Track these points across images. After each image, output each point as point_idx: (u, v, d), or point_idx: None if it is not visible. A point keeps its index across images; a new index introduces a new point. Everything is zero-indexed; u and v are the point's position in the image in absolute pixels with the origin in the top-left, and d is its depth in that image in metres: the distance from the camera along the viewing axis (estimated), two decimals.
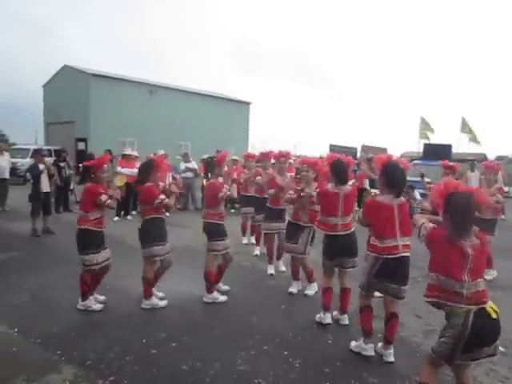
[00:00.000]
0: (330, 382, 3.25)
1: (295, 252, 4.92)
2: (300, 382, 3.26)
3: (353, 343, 3.79)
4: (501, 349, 3.86)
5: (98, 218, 4.45)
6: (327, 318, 4.26)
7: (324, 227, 4.24)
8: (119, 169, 10.33)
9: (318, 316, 4.35)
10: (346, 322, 4.29)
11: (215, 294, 4.85)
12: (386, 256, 3.43)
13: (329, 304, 4.29)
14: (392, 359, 3.58)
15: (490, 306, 2.56)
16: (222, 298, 4.86)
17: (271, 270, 6.07)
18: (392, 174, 3.50)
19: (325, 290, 4.31)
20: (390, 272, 3.45)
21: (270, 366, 3.46)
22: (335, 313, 4.40)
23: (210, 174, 4.91)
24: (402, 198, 3.52)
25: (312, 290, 5.17)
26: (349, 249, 4.19)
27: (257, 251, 7.15)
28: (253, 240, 7.74)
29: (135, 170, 10.21)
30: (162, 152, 10.57)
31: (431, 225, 2.76)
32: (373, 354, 3.63)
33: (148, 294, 4.58)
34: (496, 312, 2.55)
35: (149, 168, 4.60)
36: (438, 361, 2.68)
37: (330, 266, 4.25)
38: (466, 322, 2.50)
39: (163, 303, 4.65)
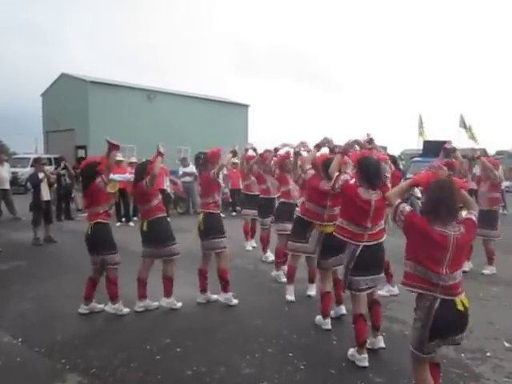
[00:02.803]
0: (336, 383, 3.23)
1: (305, 251, 4.73)
2: (305, 383, 3.25)
3: (350, 350, 3.65)
4: (506, 344, 3.88)
5: (107, 210, 4.55)
6: (327, 325, 4.21)
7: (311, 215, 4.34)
8: (111, 175, 10.18)
9: (317, 318, 4.32)
10: (344, 311, 4.41)
11: (231, 294, 4.86)
12: (361, 243, 3.46)
13: (328, 310, 4.26)
14: (383, 344, 3.66)
15: (460, 298, 2.53)
16: (235, 301, 4.87)
17: (276, 271, 6.00)
18: (366, 168, 3.50)
19: (324, 295, 4.25)
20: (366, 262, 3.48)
21: (275, 368, 3.45)
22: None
23: (202, 170, 4.88)
24: (380, 192, 3.45)
25: (314, 290, 5.14)
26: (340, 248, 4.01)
27: (270, 258, 6.78)
28: (254, 244, 7.68)
29: (127, 176, 10.19)
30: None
31: (408, 208, 2.69)
32: (367, 364, 3.47)
33: (170, 293, 4.68)
34: (464, 305, 2.53)
35: (144, 168, 4.67)
36: (415, 354, 2.64)
37: (327, 266, 4.23)
38: (433, 305, 2.51)
39: (180, 304, 4.75)
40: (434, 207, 2.55)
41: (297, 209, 5.64)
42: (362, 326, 3.54)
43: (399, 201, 2.76)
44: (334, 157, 3.89)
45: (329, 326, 4.21)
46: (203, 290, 4.95)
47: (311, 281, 5.16)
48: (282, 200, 6.00)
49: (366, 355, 3.48)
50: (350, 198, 3.52)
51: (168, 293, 4.69)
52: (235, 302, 4.88)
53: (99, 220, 4.47)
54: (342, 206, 3.72)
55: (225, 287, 4.87)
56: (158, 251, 4.62)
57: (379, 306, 3.80)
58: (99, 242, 4.46)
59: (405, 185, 2.94)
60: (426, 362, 2.68)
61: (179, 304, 4.74)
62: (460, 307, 2.52)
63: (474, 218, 2.66)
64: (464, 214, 2.75)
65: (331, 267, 4.24)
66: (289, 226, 5.54)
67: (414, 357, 2.68)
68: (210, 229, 4.78)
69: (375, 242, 3.54)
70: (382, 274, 3.72)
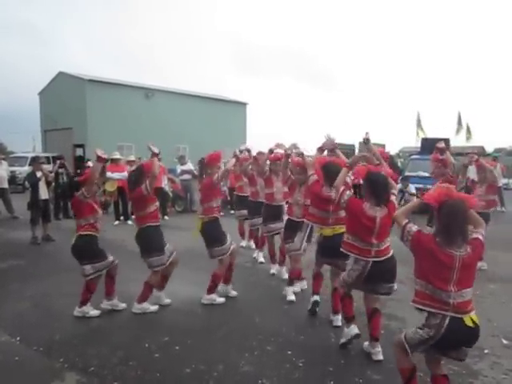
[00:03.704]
0: (335, 381, 3.24)
1: (291, 250, 4.93)
2: (304, 381, 3.26)
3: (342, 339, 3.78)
4: (504, 341, 3.89)
5: (91, 222, 4.46)
6: (314, 298, 4.51)
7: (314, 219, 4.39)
8: (109, 174, 10.11)
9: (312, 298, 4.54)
10: (339, 323, 4.19)
11: (214, 295, 4.84)
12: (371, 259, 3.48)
13: (318, 288, 4.55)
14: (381, 357, 3.52)
15: (469, 316, 2.56)
16: (220, 300, 4.85)
17: (273, 269, 6.07)
18: (374, 184, 3.46)
19: (315, 276, 4.54)
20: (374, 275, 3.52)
21: (274, 366, 3.45)
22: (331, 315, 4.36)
23: (203, 175, 4.87)
24: (386, 209, 3.44)
25: (294, 290, 5.08)
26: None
27: (255, 254, 6.99)
28: (251, 244, 7.67)
29: (126, 174, 10.16)
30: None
31: (414, 228, 2.72)
32: (357, 331, 3.68)
33: (144, 299, 4.59)
34: (473, 321, 2.55)
35: (140, 173, 4.57)
36: (407, 347, 2.70)
37: (321, 261, 4.40)
38: (442, 323, 2.55)
39: (155, 308, 4.64)
40: (446, 229, 2.57)
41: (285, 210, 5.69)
42: (347, 303, 3.74)
43: (406, 221, 2.79)
44: (342, 170, 3.77)
45: (316, 298, 4.51)
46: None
47: (281, 264, 5.50)
48: (266, 203, 6.01)
49: (354, 325, 3.68)
50: (354, 214, 3.50)
51: (142, 298, 4.56)
52: (220, 300, 4.85)
53: (81, 233, 4.40)
54: (348, 221, 3.70)
55: (210, 288, 4.82)
56: (144, 259, 4.55)
57: (380, 315, 3.68)
58: (80, 253, 4.43)
59: (413, 205, 2.99)
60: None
61: (153, 307, 4.62)
62: (469, 323, 2.54)
63: (481, 238, 2.66)
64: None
65: (323, 263, 4.39)
66: (274, 227, 5.83)
67: (400, 345, 2.74)
68: (212, 237, 4.76)
69: (384, 258, 3.52)
70: (392, 284, 3.63)
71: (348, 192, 3.59)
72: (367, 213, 3.42)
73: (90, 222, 4.44)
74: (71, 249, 4.47)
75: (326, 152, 4.73)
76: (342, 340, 3.75)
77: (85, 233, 4.42)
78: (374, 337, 3.58)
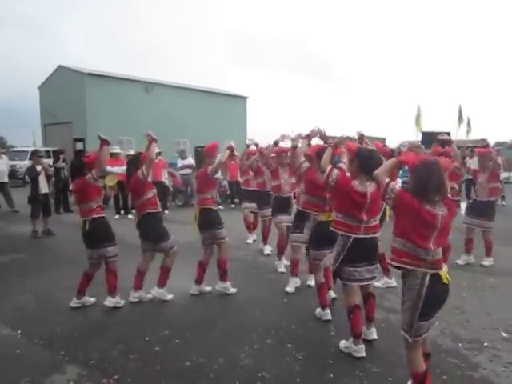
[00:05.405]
0: (334, 374, 3.25)
1: (299, 241, 4.86)
2: (304, 374, 3.26)
3: (342, 342, 3.65)
4: (503, 334, 3.90)
5: (100, 205, 4.52)
6: (327, 315, 4.22)
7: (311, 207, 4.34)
8: (109, 168, 10.12)
9: (317, 311, 4.31)
10: (333, 295, 4.46)
11: (228, 284, 4.92)
12: (354, 235, 3.43)
13: (326, 300, 4.26)
14: (375, 336, 3.65)
15: (443, 271, 2.65)
16: (233, 290, 4.94)
17: (281, 268, 5.99)
18: (366, 160, 3.42)
19: (319, 287, 4.26)
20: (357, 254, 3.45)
21: (274, 359, 3.46)
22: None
23: (201, 165, 4.89)
24: (375, 185, 3.36)
25: (313, 280, 5.13)
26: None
27: (267, 250, 6.92)
28: (255, 237, 7.63)
29: (125, 168, 10.14)
30: (156, 150, 10.51)
31: (397, 187, 2.74)
32: (363, 354, 3.48)
33: (164, 283, 4.73)
34: (447, 278, 2.65)
35: (138, 159, 4.63)
36: (407, 337, 2.69)
37: (317, 257, 4.21)
38: (423, 282, 2.60)
39: (170, 297, 4.76)
40: (422, 188, 2.60)
41: (293, 201, 5.70)
42: (357, 317, 3.51)
43: (388, 179, 2.80)
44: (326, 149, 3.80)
45: (329, 317, 4.20)
46: (198, 281, 4.95)
47: (311, 271, 5.16)
48: (274, 195, 6.02)
49: (362, 346, 3.48)
50: (345, 191, 3.46)
51: (162, 282, 4.71)
52: (233, 290, 4.94)
53: (94, 216, 4.40)
54: (336, 200, 3.66)
55: (223, 276, 4.93)
56: (155, 246, 4.63)
57: (374, 298, 3.76)
58: (99, 236, 4.43)
59: (391, 163, 2.94)
60: (416, 344, 2.73)
61: (170, 296, 4.75)
62: (445, 281, 2.63)
63: (450, 197, 2.79)
64: None
65: (322, 258, 4.19)
66: (284, 218, 5.81)
67: (404, 340, 2.76)
68: (208, 221, 4.80)
69: (370, 236, 3.52)
70: (376, 265, 3.62)
71: (336, 171, 3.55)
72: (357, 189, 3.40)
73: (99, 204, 4.49)
74: (89, 234, 4.42)
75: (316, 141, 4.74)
76: (344, 349, 3.58)
77: (98, 216, 4.43)
78: (369, 317, 3.69)
